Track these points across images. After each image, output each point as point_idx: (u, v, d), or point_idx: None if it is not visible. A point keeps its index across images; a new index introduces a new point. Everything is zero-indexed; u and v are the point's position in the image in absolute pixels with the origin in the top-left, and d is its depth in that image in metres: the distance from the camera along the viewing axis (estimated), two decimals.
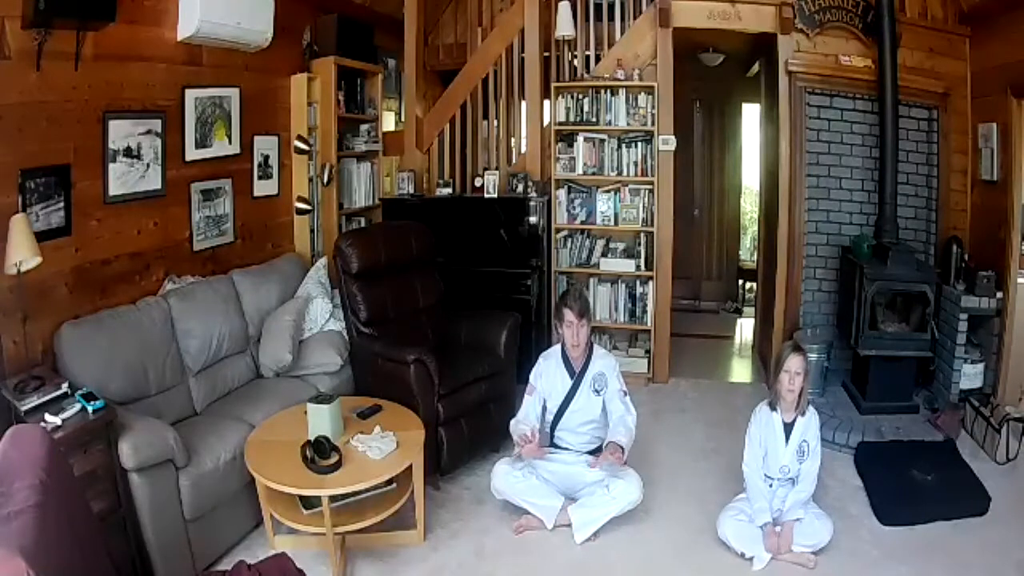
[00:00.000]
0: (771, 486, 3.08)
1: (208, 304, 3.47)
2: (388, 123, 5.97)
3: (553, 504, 3.18)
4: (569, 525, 3.14)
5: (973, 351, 4.13)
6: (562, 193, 5.06)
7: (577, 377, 3.30)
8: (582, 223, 5.07)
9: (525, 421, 3.28)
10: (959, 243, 4.28)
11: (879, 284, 4.08)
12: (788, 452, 3.05)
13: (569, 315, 3.21)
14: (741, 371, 5.63)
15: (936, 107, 4.56)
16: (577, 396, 3.30)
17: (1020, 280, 4.03)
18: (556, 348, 3.39)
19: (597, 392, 3.28)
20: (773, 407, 3.11)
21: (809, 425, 3.07)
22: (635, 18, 4.97)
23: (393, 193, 5.38)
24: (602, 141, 4.98)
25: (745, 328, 6.62)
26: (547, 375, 3.33)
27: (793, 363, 3.00)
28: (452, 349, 4.00)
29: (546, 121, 5.15)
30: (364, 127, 5.29)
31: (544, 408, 3.37)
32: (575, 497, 3.24)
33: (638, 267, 4.99)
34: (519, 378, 4.04)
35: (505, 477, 3.23)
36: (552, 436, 3.41)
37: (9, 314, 2.69)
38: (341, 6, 5.00)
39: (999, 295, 3.99)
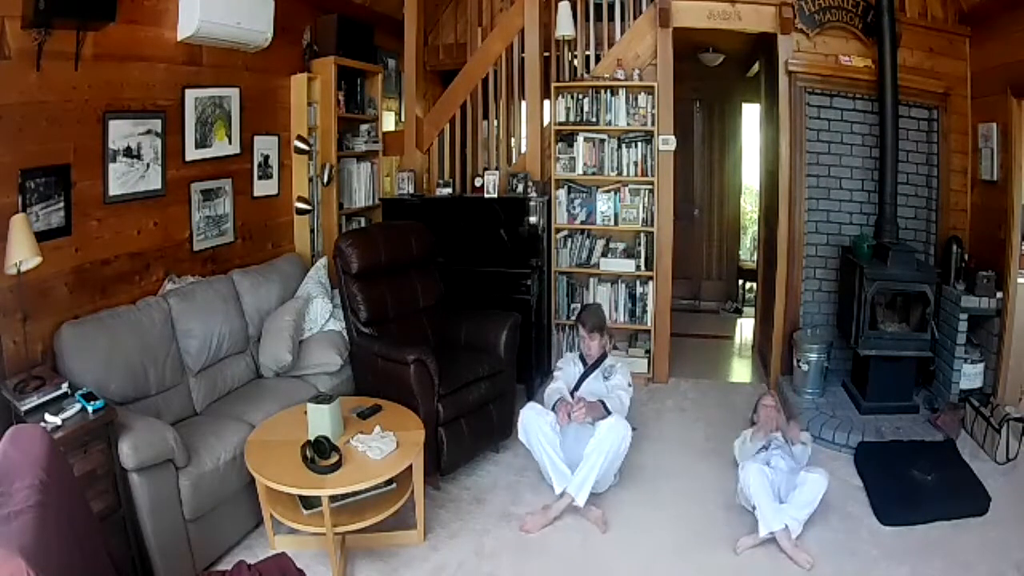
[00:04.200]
0: (769, 463, 3.17)
1: (208, 304, 3.47)
2: (388, 123, 5.97)
3: (566, 471, 3.28)
4: (570, 509, 3.22)
5: (973, 351, 4.13)
6: (562, 193, 5.06)
7: (590, 368, 3.70)
8: (582, 223, 5.07)
9: (556, 391, 3.58)
10: (959, 243, 4.28)
11: (879, 284, 4.07)
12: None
13: (582, 330, 3.74)
14: (741, 371, 5.63)
15: (936, 107, 4.55)
16: (588, 380, 3.67)
17: (1020, 280, 4.03)
18: (575, 353, 3.88)
19: (606, 377, 3.65)
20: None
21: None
22: (635, 18, 4.98)
23: (393, 193, 5.38)
24: (602, 141, 4.98)
25: (745, 328, 6.62)
26: (566, 367, 3.76)
27: (766, 399, 3.48)
28: (452, 349, 4.00)
29: (546, 121, 5.15)
30: (364, 127, 5.29)
31: None
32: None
33: (638, 267, 4.99)
34: (519, 378, 4.06)
35: (535, 421, 3.37)
36: None
37: (9, 314, 2.69)
38: (341, 6, 5.00)
39: (999, 295, 3.99)
